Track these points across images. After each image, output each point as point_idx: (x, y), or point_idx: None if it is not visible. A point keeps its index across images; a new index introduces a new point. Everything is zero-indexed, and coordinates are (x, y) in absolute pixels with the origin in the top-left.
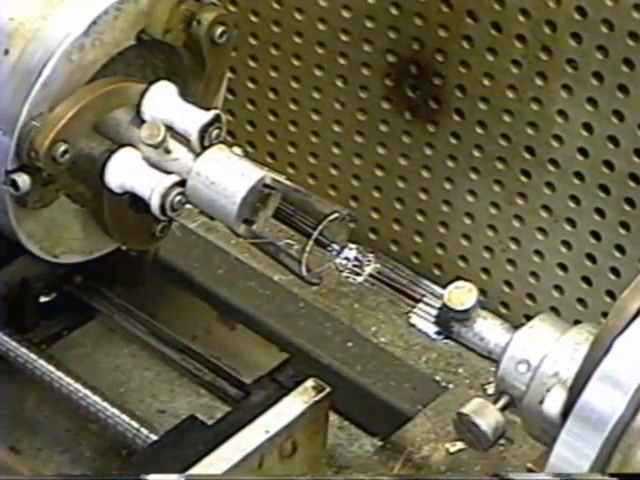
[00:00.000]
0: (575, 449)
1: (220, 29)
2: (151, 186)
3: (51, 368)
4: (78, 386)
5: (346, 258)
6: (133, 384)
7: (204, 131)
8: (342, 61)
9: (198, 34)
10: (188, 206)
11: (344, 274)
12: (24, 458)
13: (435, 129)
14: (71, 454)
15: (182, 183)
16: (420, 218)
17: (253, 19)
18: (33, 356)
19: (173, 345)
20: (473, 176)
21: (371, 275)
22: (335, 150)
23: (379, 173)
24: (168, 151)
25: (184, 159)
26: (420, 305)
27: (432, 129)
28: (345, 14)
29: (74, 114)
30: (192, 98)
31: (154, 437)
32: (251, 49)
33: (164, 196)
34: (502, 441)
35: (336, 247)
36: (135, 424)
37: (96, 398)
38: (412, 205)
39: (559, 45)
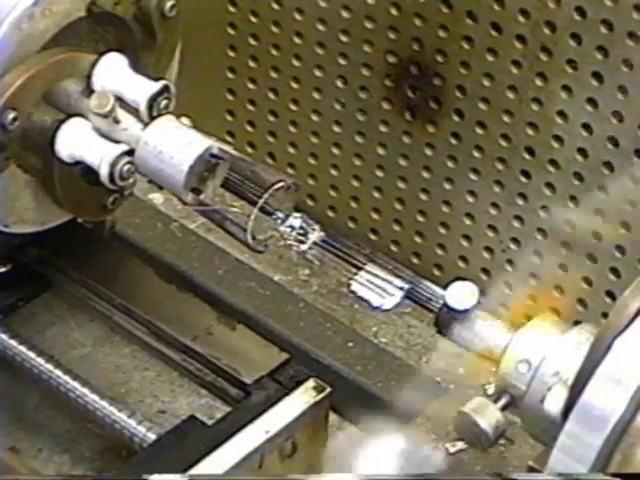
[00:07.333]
0: (575, 448)
1: (170, 2)
2: (100, 155)
3: (51, 368)
4: (78, 386)
5: (291, 226)
6: (133, 384)
7: (152, 101)
8: (342, 61)
9: (148, 7)
10: (187, 207)
11: (288, 242)
12: (24, 458)
13: (435, 129)
14: (71, 454)
15: (131, 152)
16: (420, 218)
17: (253, 19)
18: (31, 354)
19: (173, 345)
20: (473, 177)
21: (315, 243)
22: (335, 150)
23: (379, 173)
24: (117, 121)
25: (133, 129)
26: (362, 273)
27: (432, 129)
28: (345, 15)
29: (23, 82)
30: (144, 71)
31: (154, 437)
32: (251, 49)
33: (112, 165)
34: (502, 441)
35: (281, 215)
36: (135, 424)
37: (96, 398)
38: (412, 205)
39: (559, 45)
